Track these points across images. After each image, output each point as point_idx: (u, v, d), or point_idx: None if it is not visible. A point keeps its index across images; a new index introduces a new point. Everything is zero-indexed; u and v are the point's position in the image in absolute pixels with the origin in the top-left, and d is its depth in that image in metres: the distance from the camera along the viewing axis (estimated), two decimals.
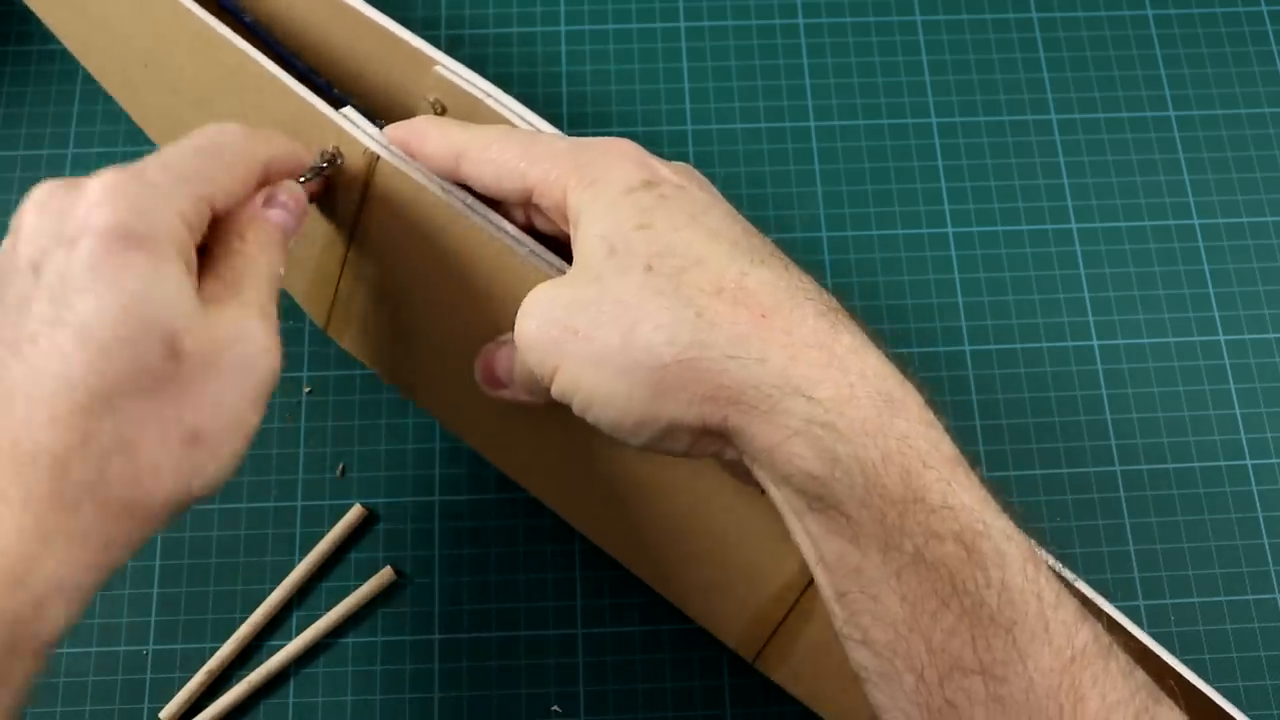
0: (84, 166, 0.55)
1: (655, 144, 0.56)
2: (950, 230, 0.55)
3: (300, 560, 0.48)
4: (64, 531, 0.29)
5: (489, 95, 0.42)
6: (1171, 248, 0.55)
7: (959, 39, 0.59)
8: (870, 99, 0.57)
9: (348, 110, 0.41)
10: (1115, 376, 0.52)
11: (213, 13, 0.45)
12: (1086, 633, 0.31)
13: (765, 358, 0.31)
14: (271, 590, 0.48)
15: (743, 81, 0.57)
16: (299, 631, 0.47)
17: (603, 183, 0.35)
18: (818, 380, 0.31)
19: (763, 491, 0.33)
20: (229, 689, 0.46)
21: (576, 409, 0.34)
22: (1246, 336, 0.53)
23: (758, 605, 0.41)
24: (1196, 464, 0.51)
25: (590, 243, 0.33)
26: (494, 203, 0.39)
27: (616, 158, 0.35)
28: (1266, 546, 0.50)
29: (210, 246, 0.35)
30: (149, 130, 0.51)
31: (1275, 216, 0.55)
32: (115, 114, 0.55)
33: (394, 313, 0.44)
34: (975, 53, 0.58)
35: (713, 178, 0.55)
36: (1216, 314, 0.53)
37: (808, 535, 0.32)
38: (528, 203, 0.37)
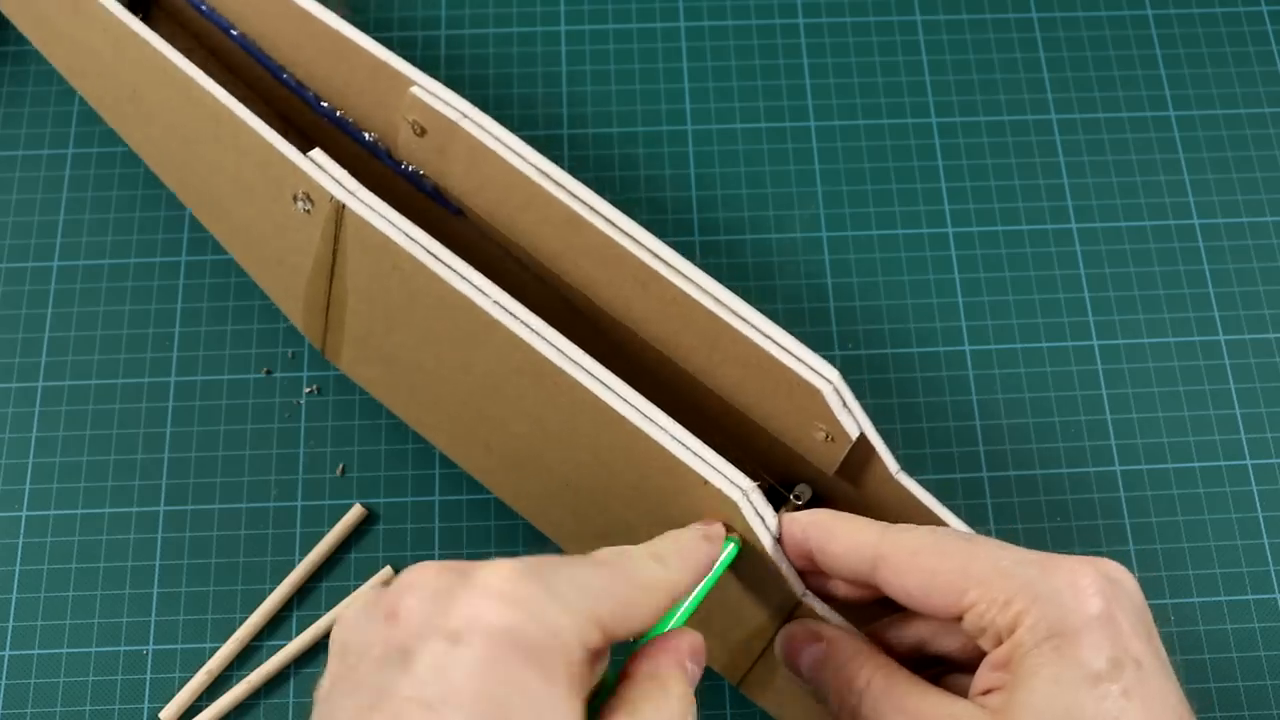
0: (84, 166, 0.55)
1: (655, 144, 0.56)
2: (950, 230, 0.55)
3: (300, 560, 0.48)
4: None
5: (466, 116, 0.42)
6: (1171, 248, 0.55)
7: (959, 39, 0.59)
8: (870, 99, 0.57)
9: (315, 153, 0.41)
10: (1115, 376, 0.52)
11: (194, 32, 0.45)
12: None
13: None
14: (271, 590, 0.48)
15: (743, 81, 0.57)
16: (299, 631, 0.47)
17: (1067, 653, 0.31)
18: None
19: None
20: (229, 689, 0.46)
21: None
22: (1246, 336, 0.53)
23: (739, 639, 0.41)
24: (1196, 464, 0.51)
25: None
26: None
27: (1086, 613, 0.31)
28: (1266, 546, 0.50)
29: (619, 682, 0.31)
30: (146, 159, 0.51)
31: (1275, 216, 0.55)
32: None
33: (377, 344, 0.45)
34: (975, 53, 0.58)
35: (712, 178, 0.56)
36: (1216, 314, 0.53)
37: None
38: (953, 617, 0.33)
